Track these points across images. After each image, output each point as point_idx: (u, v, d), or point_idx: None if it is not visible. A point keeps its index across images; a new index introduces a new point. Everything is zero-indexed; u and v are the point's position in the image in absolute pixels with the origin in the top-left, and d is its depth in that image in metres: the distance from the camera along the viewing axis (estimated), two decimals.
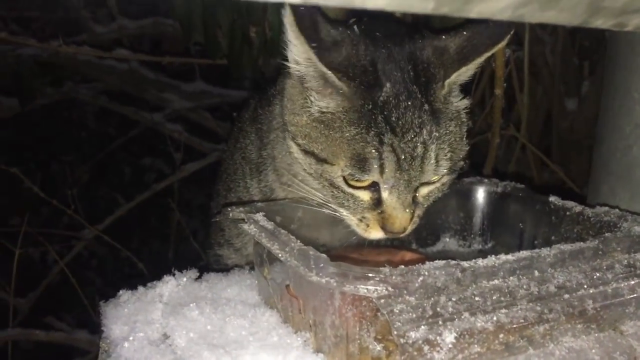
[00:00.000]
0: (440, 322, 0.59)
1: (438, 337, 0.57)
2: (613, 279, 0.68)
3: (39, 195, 2.33)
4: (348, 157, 0.78)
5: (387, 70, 0.78)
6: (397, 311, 0.59)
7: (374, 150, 0.76)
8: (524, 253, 0.68)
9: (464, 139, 0.85)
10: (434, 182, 0.83)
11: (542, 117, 2.19)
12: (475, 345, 0.59)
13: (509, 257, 0.66)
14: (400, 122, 0.76)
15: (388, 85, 0.77)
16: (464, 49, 0.78)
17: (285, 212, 0.89)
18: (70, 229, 2.54)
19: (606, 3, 0.42)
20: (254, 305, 0.82)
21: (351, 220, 0.85)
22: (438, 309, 0.60)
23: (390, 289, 0.60)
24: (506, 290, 0.63)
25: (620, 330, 0.68)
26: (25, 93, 2.52)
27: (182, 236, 2.60)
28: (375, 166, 0.77)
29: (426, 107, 0.78)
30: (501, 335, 0.60)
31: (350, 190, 0.82)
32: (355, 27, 0.80)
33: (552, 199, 0.91)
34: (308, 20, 0.73)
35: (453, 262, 0.64)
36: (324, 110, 0.80)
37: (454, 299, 0.61)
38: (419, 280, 0.61)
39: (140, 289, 0.86)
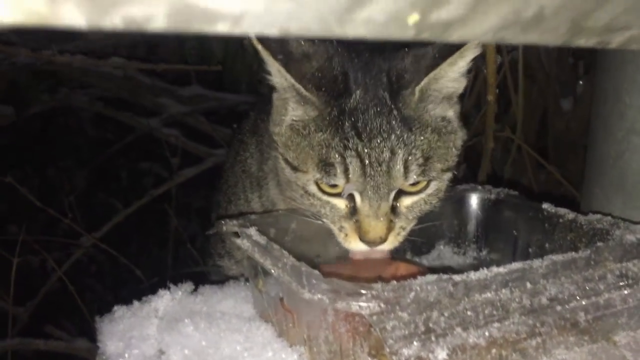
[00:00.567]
0: (432, 338, 0.59)
1: (430, 354, 0.57)
2: (605, 290, 0.68)
3: (33, 200, 2.33)
4: (315, 162, 0.80)
5: (359, 78, 0.80)
6: (390, 328, 0.59)
7: (337, 155, 0.78)
8: (515, 265, 0.68)
9: (453, 148, 0.85)
10: (416, 193, 0.83)
11: (538, 117, 2.19)
12: None
13: (501, 269, 0.66)
14: (367, 128, 0.78)
15: (358, 92, 0.79)
16: (441, 53, 0.78)
17: (279, 224, 0.89)
18: (69, 236, 2.54)
19: (588, 23, 0.42)
20: (249, 319, 0.82)
21: (333, 229, 0.86)
22: (430, 325, 0.60)
23: (382, 305, 0.60)
24: (498, 304, 0.64)
25: (613, 341, 0.68)
26: (21, 101, 2.52)
27: (180, 241, 2.60)
28: (339, 171, 0.78)
29: (395, 113, 0.79)
30: (494, 350, 0.60)
31: (325, 197, 0.83)
32: (335, 41, 0.80)
33: (545, 205, 0.91)
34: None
35: (445, 276, 0.64)
36: (296, 119, 0.83)
37: (446, 314, 0.61)
38: (411, 296, 0.61)
39: (136, 303, 0.86)
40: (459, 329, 0.60)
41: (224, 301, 0.88)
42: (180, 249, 2.65)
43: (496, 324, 0.61)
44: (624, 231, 0.78)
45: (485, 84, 1.89)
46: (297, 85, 0.78)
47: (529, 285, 0.67)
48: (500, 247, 0.98)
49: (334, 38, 0.33)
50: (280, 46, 0.76)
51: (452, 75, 0.80)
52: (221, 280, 1.00)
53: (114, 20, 0.27)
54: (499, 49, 1.39)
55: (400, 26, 0.35)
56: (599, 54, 1.07)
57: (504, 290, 0.65)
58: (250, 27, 0.31)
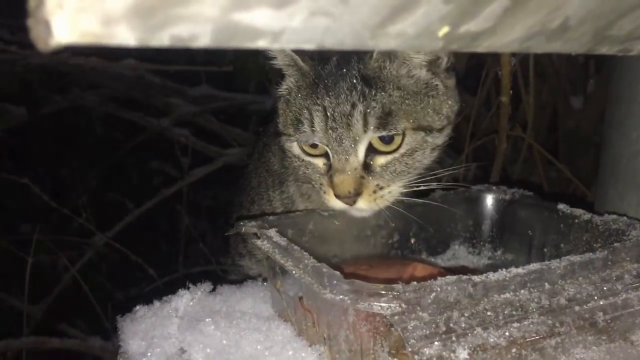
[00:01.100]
0: (453, 338, 0.60)
1: (452, 354, 0.58)
2: (623, 290, 0.69)
3: (48, 200, 2.35)
4: (292, 121, 0.90)
5: (345, 59, 0.89)
6: (411, 328, 0.60)
7: (306, 111, 0.87)
8: (534, 266, 0.69)
9: (430, 110, 0.88)
10: (390, 153, 0.86)
11: (548, 115, 2.19)
12: None
13: (520, 270, 0.68)
14: (335, 87, 0.86)
15: (334, 59, 0.88)
16: None
17: (296, 225, 0.90)
18: (80, 235, 2.56)
19: (611, 32, 0.43)
20: (268, 319, 0.83)
21: (319, 191, 0.91)
22: (451, 325, 0.61)
23: (403, 305, 0.61)
24: (517, 304, 0.65)
25: (631, 340, 0.69)
26: (33, 101, 2.54)
27: (191, 239, 2.62)
28: (307, 125, 0.87)
29: (358, 73, 0.86)
30: (514, 350, 0.62)
31: (308, 158, 0.91)
32: None
33: (560, 206, 0.91)
34: None
35: (464, 277, 0.65)
36: (287, 88, 0.93)
37: (466, 314, 0.62)
38: (431, 296, 0.62)
39: (156, 303, 0.87)
40: (479, 329, 0.61)
41: (243, 301, 0.89)
42: (190, 248, 2.67)
43: (516, 324, 0.62)
44: None
45: (495, 82, 1.90)
46: (294, 56, 0.88)
47: (547, 285, 0.68)
48: (515, 247, 0.99)
49: (367, 50, 0.34)
50: None
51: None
52: (240, 279, 1.02)
53: (163, 38, 0.28)
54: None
55: (431, 38, 0.36)
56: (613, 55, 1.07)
57: (522, 291, 0.67)
58: (289, 42, 0.32)
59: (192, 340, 0.77)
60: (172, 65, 2.33)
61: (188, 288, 0.91)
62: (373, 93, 0.84)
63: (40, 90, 2.61)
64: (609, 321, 0.67)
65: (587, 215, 0.88)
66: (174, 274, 2.33)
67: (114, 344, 2.02)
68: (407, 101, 0.86)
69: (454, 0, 0.33)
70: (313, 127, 0.86)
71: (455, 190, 1.02)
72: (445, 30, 0.36)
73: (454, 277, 0.65)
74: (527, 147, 1.89)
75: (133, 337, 0.81)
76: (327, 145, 0.87)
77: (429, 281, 0.64)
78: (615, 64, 1.05)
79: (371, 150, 0.86)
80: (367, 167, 0.86)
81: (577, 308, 0.66)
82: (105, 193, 3.22)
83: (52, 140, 3.09)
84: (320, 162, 0.90)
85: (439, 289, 0.63)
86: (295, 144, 0.91)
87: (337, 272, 0.66)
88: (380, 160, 0.87)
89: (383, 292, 0.62)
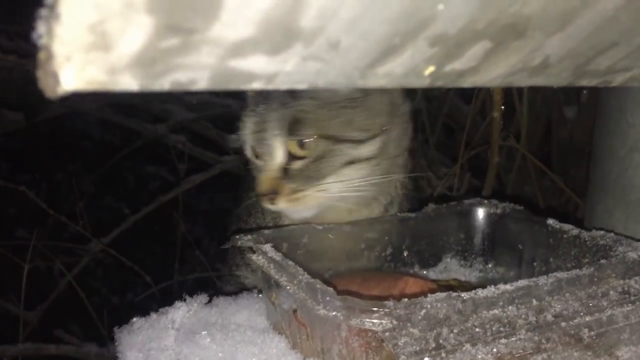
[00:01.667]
0: (442, 354, 0.62)
1: None
2: (608, 306, 0.71)
3: (45, 208, 2.37)
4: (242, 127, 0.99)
5: None
6: (402, 344, 0.62)
7: (247, 117, 0.97)
8: (522, 282, 0.71)
9: (340, 119, 0.93)
10: (302, 158, 0.93)
11: (542, 125, 2.21)
12: None
13: (508, 286, 0.69)
14: (269, 96, 0.94)
15: None
16: None
17: (291, 239, 0.92)
18: (76, 241, 2.57)
19: (590, 67, 0.45)
20: (263, 331, 0.85)
21: None
22: (440, 341, 0.63)
23: (394, 321, 0.63)
24: (505, 320, 0.66)
25: (616, 356, 0.70)
26: (31, 107, 2.56)
27: (186, 245, 2.63)
28: (242, 126, 0.98)
29: None
30: None
31: (255, 161, 1.00)
32: None
33: (550, 221, 0.93)
34: None
35: (454, 293, 0.67)
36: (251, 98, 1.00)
37: (455, 331, 0.64)
38: (422, 313, 0.64)
39: (153, 315, 0.89)
40: (468, 345, 0.63)
41: (238, 313, 0.91)
42: (186, 254, 2.68)
43: (503, 340, 0.64)
44: (627, 248, 0.81)
45: (490, 91, 1.93)
46: None
47: (534, 302, 0.70)
48: (506, 260, 1.01)
49: (356, 88, 0.36)
50: None
51: None
52: (235, 290, 1.04)
53: (163, 84, 0.30)
54: None
55: (417, 77, 0.38)
56: None
57: (510, 307, 0.68)
58: (282, 84, 0.34)
59: (189, 353, 0.78)
60: None
61: (184, 300, 0.92)
62: (291, 101, 0.92)
63: (37, 96, 2.62)
64: (595, 337, 0.69)
65: (575, 231, 0.90)
66: (170, 281, 2.34)
67: (110, 350, 2.03)
68: (320, 110, 0.92)
69: (439, 43, 0.35)
70: (245, 129, 0.98)
71: (448, 204, 1.04)
72: (431, 69, 0.38)
73: (443, 294, 0.66)
74: (521, 157, 1.92)
75: (130, 349, 0.82)
76: (256, 148, 0.97)
77: (419, 298, 0.66)
78: None
79: (290, 155, 0.94)
80: (286, 170, 0.94)
81: (563, 324, 0.68)
82: (101, 199, 3.23)
83: (49, 145, 3.10)
84: (260, 165, 0.98)
85: (429, 306, 0.64)
86: (250, 150, 1.00)
87: (330, 289, 0.67)
88: (296, 164, 0.93)
89: (375, 308, 0.64)
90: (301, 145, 0.92)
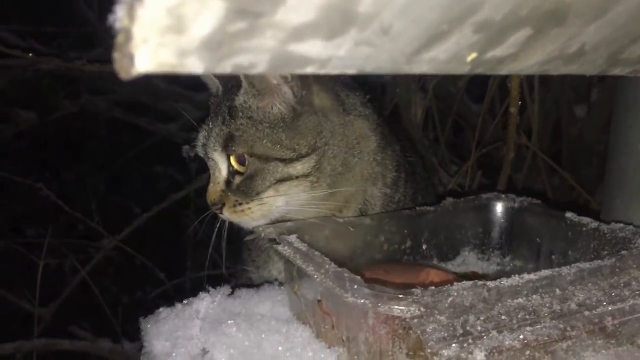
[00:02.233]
0: (470, 340, 0.63)
1: (469, 355, 0.62)
2: (630, 296, 0.72)
3: (55, 205, 2.39)
4: None
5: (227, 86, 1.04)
6: (430, 330, 0.63)
7: (200, 129, 1.05)
8: (545, 272, 0.72)
9: (268, 143, 0.97)
10: (242, 173, 0.98)
11: (552, 123, 2.22)
12: None
13: (531, 276, 0.71)
14: (216, 110, 1.02)
15: (221, 88, 1.05)
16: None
17: (313, 231, 0.93)
18: (86, 238, 2.60)
19: (623, 56, 0.46)
20: (286, 321, 0.86)
21: None
22: (467, 328, 0.64)
23: (422, 309, 0.65)
24: (530, 309, 0.68)
25: (638, 344, 0.71)
26: (43, 106, 2.58)
27: (197, 242, 2.65)
28: (198, 139, 1.04)
29: (228, 102, 1.00)
30: (527, 352, 0.65)
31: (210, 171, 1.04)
32: None
33: (568, 214, 0.95)
34: None
35: (480, 282, 0.68)
36: None
37: (482, 318, 0.65)
38: (448, 300, 0.66)
39: (178, 305, 0.90)
40: (494, 332, 0.64)
41: (261, 304, 0.92)
42: (196, 252, 2.69)
43: (529, 328, 0.65)
44: None
45: (500, 90, 1.94)
46: (216, 85, 1.07)
47: (557, 291, 0.71)
48: (523, 254, 1.02)
49: (401, 74, 0.37)
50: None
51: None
52: (246, 284, 1.07)
53: (225, 67, 0.32)
54: None
55: (459, 63, 0.40)
56: None
57: (534, 296, 0.70)
58: (334, 69, 0.35)
59: (215, 341, 0.80)
60: None
61: (208, 291, 0.94)
62: (228, 120, 0.98)
63: (50, 96, 2.65)
64: (617, 326, 0.70)
65: (594, 224, 0.91)
66: (182, 278, 2.36)
67: (123, 346, 2.04)
68: (250, 130, 0.97)
69: (483, 29, 0.36)
70: (196, 141, 1.04)
71: (466, 198, 1.06)
72: (473, 55, 0.39)
73: (469, 282, 0.68)
74: (532, 155, 1.93)
75: (157, 338, 0.84)
76: (204, 160, 1.03)
77: (445, 286, 0.67)
78: (622, 76, 1.08)
79: (234, 170, 0.99)
80: (229, 183, 1.00)
81: (586, 313, 0.69)
82: (110, 197, 3.25)
83: (59, 144, 3.13)
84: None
85: (455, 294, 0.66)
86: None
87: (358, 277, 0.69)
88: (237, 179, 0.99)
89: (402, 296, 0.65)
90: (240, 161, 0.98)
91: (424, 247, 1.03)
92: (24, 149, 2.99)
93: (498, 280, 0.69)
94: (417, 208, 1.03)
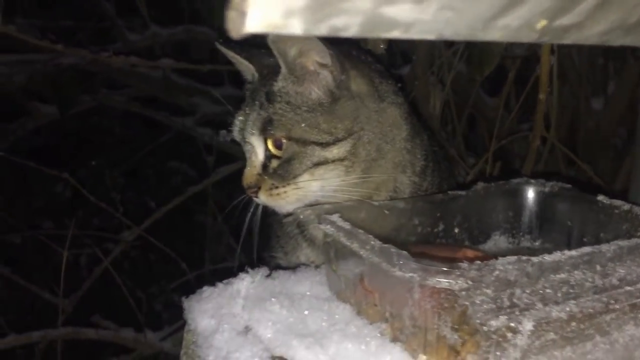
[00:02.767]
0: (517, 312, 0.65)
1: (519, 325, 0.63)
2: None
3: (71, 199, 2.41)
4: None
5: (261, 69, 1.07)
6: (478, 302, 0.65)
7: (236, 116, 1.07)
8: (585, 249, 0.74)
9: (305, 122, 0.99)
10: (279, 157, 1.01)
11: (569, 116, 2.23)
12: (551, 333, 0.65)
13: (573, 252, 0.72)
14: (252, 96, 1.05)
15: (257, 77, 1.07)
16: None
17: (349, 214, 0.95)
18: (106, 231, 2.62)
19: None
20: (326, 300, 0.88)
21: None
22: (514, 300, 0.66)
23: (469, 282, 0.66)
24: (573, 283, 0.69)
25: None
26: (64, 100, 2.61)
27: (214, 236, 2.68)
28: (232, 124, 1.07)
29: (266, 88, 1.02)
30: (573, 324, 0.66)
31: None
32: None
33: (600, 197, 0.96)
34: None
35: (524, 257, 0.70)
36: None
37: (527, 291, 0.67)
38: (494, 274, 0.67)
39: (220, 285, 0.93)
40: (540, 305, 0.66)
41: (299, 284, 0.94)
42: (212, 245, 2.72)
43: (573, 301, 0.67)
44: None
45: (516, 83, 1.96)
46: (248, 64, 1.07)
47: (598, 267, 0.72)
48: (554, 237, 1.04)
49: (475, 41, 0.39)
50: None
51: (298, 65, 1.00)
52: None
53: (322, 29, 0.33)
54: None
55: (529, 30, 0.42)
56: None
57: (576, 272, 0.71)
58: (416, 33, 0.37)
59: (260, 318, 0.82)
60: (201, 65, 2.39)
61: (247, 272, 0.96)
62: (266, 104, 1.01)
63: (70, 91, 2.68)
64: None
65: (626, 206, 0.92)
66: (200, 270, 2.38)
67: (146, 336, 2.06)
68: (289, 114, 0.99)
69: None
70: (233, 126, 1.07)
71: (497, 183, 1.07)
72: (543, 23, 0.41)
73: (513, 257, 0.70)
74: (550, 147, 1.94)
75: (202, 316, 0.86)
76: (241, 144, 1.06)
77: (490, 261, 0.69)
78: None
79: (270, 154, 1.01)
80: (266, 167, 1.02)
81: (627, 288, 0.71)
82: (127, 192, 3.28)
83: (76, 138, 3.16)
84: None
85: (501, 268, 0.68)
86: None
87: (405, 252, 0.71)
88: (274, 163, 1.01)
89: (450, 270, 0.67)
90: (277, 145, 1.00)
91: (456, 230, 1.04)
92: (42, 143, 3.02)
93: (541, 255, 0.71)
94: (449, 192, 1.05)
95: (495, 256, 0.93)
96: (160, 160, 3.36)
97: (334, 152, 0.99)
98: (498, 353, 0.63)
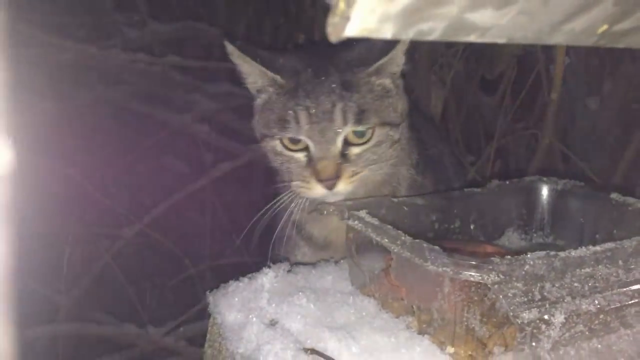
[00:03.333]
0: (547, 305, 0.67)
1: (551, 317, 0.66)
2: None
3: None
4: (276, 122, 1.04)
5: (312, 63, 1.06)
6: (511, 295, 0.67)
7: (291, 111, 1.02)
8: (607, 245, 0.76)
9: (390, 108, 1.06)
10: (362, 144, 1.03)
11: (564, 115, 2.27)
12: (580, 325, 0.68)
13: (597, 248, 0.75)
14: (314, 91, 1.02)
15: (309, 71, 1.05)
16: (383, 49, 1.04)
17: (370, 210, 0.97)
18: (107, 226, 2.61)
19: None
20: (350, 294, 0.90)
21: (299, 186, 1.04)
22: (545, 294, 0.68)
23: (501, 276, 0.69)
24: (599, 277, 0.72)
25: None
26: (62, 96, 2.59)
27: (215, 233, 2.68)
28: (293, 122, 1.02)
29: (337, 80, 1.02)
30: (601, 316, 0.69)
31: (289, 153, 1.05)
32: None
33: (613, 195, 0.99)
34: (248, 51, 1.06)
35: (552, 252, 0.72)
36: (265, 99, 1.08)
37: (556, 285, 0.70)
38: (524, 269, 0.70)
39: (244, 279, 0.94)
40: (569, 298, 0.68)
41: (322, 279, 0.96)
42: (213, 242, 2.72)
43: (600, 294, 0.70)
44: None
45: (513, 83, 2.00)
46: (264, 69, 1.05)
47: (620, 262, 0.75)
48: (566, 234, 1.07)
49: (539, 44, 0.41)
50: (253, 54, 1.06)
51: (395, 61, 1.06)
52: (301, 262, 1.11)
53: (409, 33, 0.35)
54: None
55: (589, 35, 0.44)
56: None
57: (599, 267, 0.74)
58: (489, 37, 0.39)
59: (289, 311, 0.83)
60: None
61: (269, 266, 0.97)
62: (350, 96, 1.01)
63: (69, 86, 2.66)
64: None
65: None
66: (203, 264, 2.38)
67: (149, 332, 2.06)
68: (376, 102, 1.04)
69: (622, 2, 0.40)
70: (299, 123, 1.01)
71: (510, 180, 1.10)
72: (604, 28, 0.43)
73: (542, 253, 0.72)
74: (549, 146, 1.98)
75: (229, 309, 0.87)
76: (310, 138, 1.02)
77: (520, 256, 0.71)
78: None
79: (346, 143, 1.02)
80: (343, 156, 1.02)
81: None
82: (124, 187, 3.26)
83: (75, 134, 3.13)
84: (301, 155, 1.04)
85: (531, 262, 0.70)
86: (277, 141, 1.06)
87: (436, 247, 0.73)
88: (355, 150, 1.03)
89: (482, 264, 0.69)
90: (358, 133, 1.02)
91: (472, 226, 1.07)
92: (40, 138, 2.99)
93: (567, 251, 0.74)
94: (465, 190, 1.08)
95: (514, 252, 0.97)
96: (158, 156, 3.34)
97: (399, 132, 1.07)
98: (534, 344, 0.65)
